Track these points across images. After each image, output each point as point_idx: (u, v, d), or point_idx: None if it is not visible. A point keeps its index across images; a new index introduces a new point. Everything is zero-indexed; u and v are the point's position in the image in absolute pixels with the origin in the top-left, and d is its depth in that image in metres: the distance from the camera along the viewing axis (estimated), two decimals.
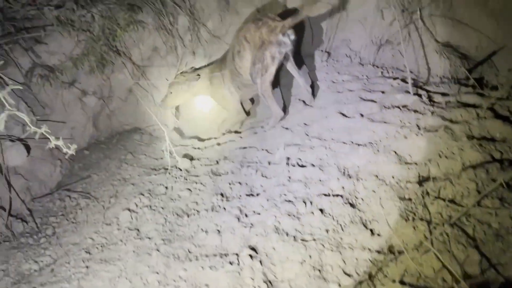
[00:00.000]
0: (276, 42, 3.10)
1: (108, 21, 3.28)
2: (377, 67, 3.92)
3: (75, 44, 3.28)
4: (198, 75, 3.72)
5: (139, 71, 3.77)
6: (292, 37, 3.16)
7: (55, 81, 3.24)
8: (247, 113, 4.11)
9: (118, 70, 3.64)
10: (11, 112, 1.88)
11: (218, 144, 3.77)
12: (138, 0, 3.44)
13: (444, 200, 2.15)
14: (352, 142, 2.84)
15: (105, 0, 3.35)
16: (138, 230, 2.58)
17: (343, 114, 3.18)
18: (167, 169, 3.39)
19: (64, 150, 1.87)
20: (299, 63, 4.04)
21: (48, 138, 1.97)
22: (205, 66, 3.97)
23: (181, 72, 3.81)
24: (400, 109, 3.01)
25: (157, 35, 3.71)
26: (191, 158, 3.53)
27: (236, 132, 4.06)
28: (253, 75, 3.31)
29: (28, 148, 2.98)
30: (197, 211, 2.68)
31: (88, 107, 3.63)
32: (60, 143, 1.89)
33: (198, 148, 3.84)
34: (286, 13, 3.47)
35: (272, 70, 3.22)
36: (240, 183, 2.92)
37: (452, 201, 2.12)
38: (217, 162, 3.35)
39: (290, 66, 3.51)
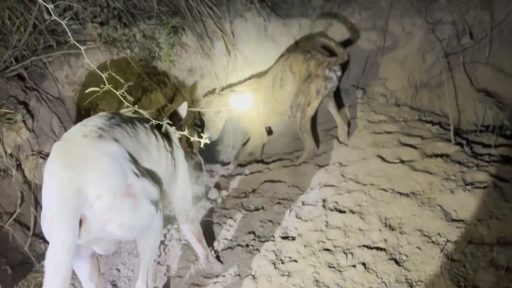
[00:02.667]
0: (323, 76, 3.03)
1: (149, 41, 3.23)
2: (414, 109, 3.84)
3: (115, 64, 3.21)
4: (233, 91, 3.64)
5: (171, 92, 3.70)
6: (339, 73, 3.10)
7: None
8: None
9: (151, 90, 3.56)
10: None
11: (245, 174, 3.67)
12: (180, 22, 3.39)
13: (497, 269, 2.03)
14: (393, 190, 2.74)
15: (148, 21, 3.30)
16: (168, 266, 2.46)
17: (382, 158, 3.08)
18: (195, 196, 3.29)
19: None
20: (338, 99, 3.96)
21: None
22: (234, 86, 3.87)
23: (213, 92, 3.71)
24: (443, 159, 2.91)
25: (194, 58, 3.64)
26: (219, 188, 3.43)
27: (262, 162, 3.97)
28: (294, 108, 3.23)
29: None
30: (230, 248, 2.57)
31: None
32: None
33: (224, 176, 3.74)
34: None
35: (315, 105, 3.15)
36: (272, 222, 2.81)
37: (508, 269, 2.01)
38: (246, 195, 3.24)
39: (329, 102, 3.44)
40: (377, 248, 2.32)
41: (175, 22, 3.19)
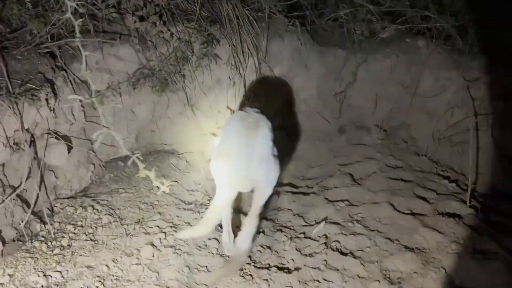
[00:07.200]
0: None
1: (184, 44, 3.22)
2: (433, 161, 3.77)
3: (145, 58, 3.21)
4: None
5: (195, 98, 3.69)
6: None
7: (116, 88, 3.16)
8: None
9: (176, 91, 3.54)
10: (107, 131, 1.79)
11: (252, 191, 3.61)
12: (218, 31, 3.38)
13: None
14: (399, 242, 2.66)
15: (187, 23, 3.30)
16: (158, 273, 2.41)
17: (393, 206, 3.01)
18: (197, 205, 3.25)
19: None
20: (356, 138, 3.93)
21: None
22: None
23: None
24: (455, 220, 2.83)
25: (224, 68, 3.63)
26: None
27: None
28: None
29: (69, 148, 2.87)
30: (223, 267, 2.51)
31: (137, 119, 3.54)
32: (165, 188, 1.78)
33: None
34: None
35: None
36: (270, 248, 2.75)
37: None
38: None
39: None
40: None
41: (213, 30, 3.18)
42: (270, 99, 3.66)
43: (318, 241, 2.75)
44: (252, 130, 2.28)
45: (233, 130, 2.34)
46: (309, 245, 2.72)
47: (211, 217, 2.29)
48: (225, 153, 2.28)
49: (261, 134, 2.30)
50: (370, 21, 3.79)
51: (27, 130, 2.54)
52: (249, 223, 2.53)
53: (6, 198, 2.38)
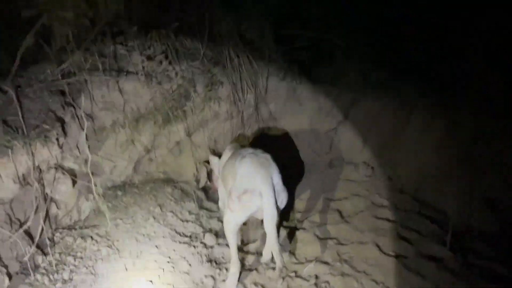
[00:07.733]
0: None
1: (187, 83, 3.36)
2: (416, 200, 3.96)
3: (150, 95, 3.34)
4: None
5: (193, 129, 3.83)
6: None
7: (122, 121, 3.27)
8: None
9: (176, 124, 3.67)
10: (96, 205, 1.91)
11: (244, 224, 3.75)
12: (220, 71, 3.53)
13: None
14: (383, 284, 2.84)
15: (191, 62, 3.44)
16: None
17: (379, 247, 3.19)
18: (192, 239, 3.36)
19: None
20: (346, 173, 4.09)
21: None
22: None
23: None
24: (436, 263, 3.01)
25: (223, 103, 3.78)
26: (216, 234, 3.50)
27: None
28: None
29: (74, 183, 2.96)
30: None
31: (137, 149, 3.64)
32: None
33: (221, 222, 3.82)
34: None
35: None
36: (263, 287, 2.89)
37: None
38: (243, 248, 3.33)
39: None
40: None
41: (216, 71, 3.33)
42: (265, 139, 3.81)
43: (308, 281, 2.90)
44: (268, 168, 2.74)
45: (251, 170, 2.71)
46: (301, 285, 2.88)
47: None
48: (254, 189, 2.62)
49: (275, 170, 2.78)
50: (364, 64, 4.00)
51: (37, 167, 2.63)
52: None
53: (14, 234, 2.46)
